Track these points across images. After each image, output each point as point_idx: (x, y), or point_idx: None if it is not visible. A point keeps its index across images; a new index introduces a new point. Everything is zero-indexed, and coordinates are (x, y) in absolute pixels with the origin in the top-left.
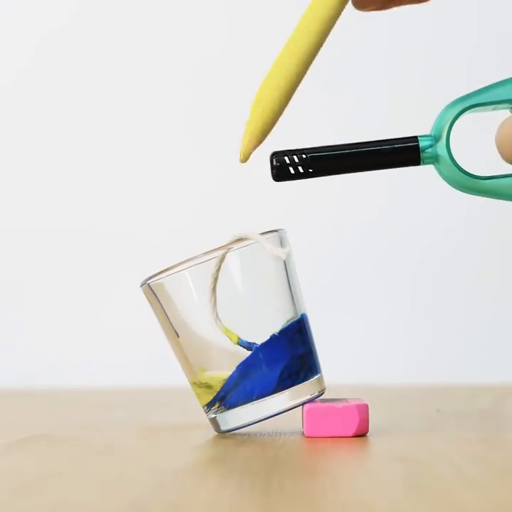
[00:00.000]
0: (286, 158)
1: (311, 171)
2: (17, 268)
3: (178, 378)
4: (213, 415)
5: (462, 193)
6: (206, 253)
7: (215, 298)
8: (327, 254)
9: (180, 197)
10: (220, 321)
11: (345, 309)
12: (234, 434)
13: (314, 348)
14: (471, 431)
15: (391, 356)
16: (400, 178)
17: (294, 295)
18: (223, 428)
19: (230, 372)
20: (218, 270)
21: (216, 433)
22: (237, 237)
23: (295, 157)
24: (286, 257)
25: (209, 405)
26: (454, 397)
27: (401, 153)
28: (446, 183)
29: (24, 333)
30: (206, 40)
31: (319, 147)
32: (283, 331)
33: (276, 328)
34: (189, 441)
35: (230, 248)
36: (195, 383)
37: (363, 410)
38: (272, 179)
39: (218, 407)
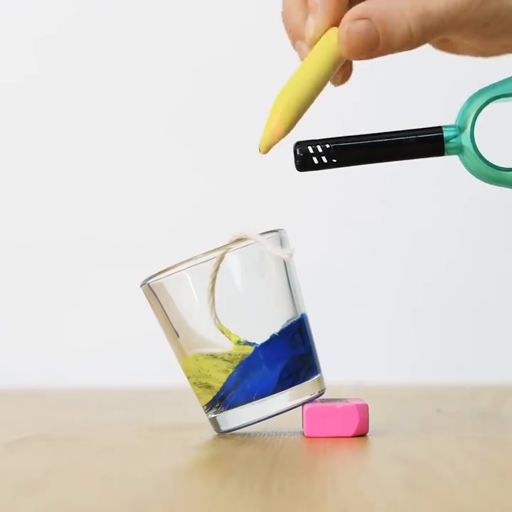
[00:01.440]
0: (310, 148)
1: (334, 161)
2: (18, 266)
3: (178, 378)
4: (213, 415)
5: (486, 183)
6: (206, 253)
7: (214, 299)
8: (327, 254)
9: (180, 197)
10: (218, 321)
11: (345, 309)
12: (234, 434)
13: (314, 348)
14: (471, 431)
15: (391, 356)
16: (403, 172)
17: (294, 295)
18: (223, 428)
19: (222, 350)
20: (217, 271)
21: (216, 433)
22: (237, 237)
23: (319, 147)
24: (289, 257)
25: (209, 405)
26: (454, 397)
27: (425, 143)
28: (470, 173)
29: (24, 332)
30: (205, 43)
31: (343, 137)
32: (283, 331)
33: (276, 328)
34: (189, 441)
35: (229, 248)
36: (195, 383)
37: (363, 410)
38: (295, 169)
39: (218, 407)
